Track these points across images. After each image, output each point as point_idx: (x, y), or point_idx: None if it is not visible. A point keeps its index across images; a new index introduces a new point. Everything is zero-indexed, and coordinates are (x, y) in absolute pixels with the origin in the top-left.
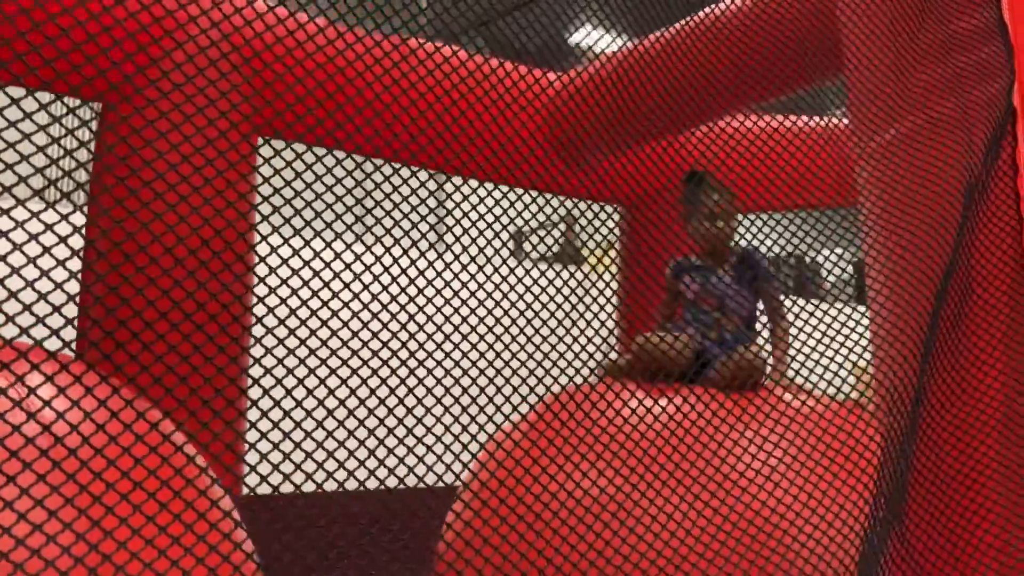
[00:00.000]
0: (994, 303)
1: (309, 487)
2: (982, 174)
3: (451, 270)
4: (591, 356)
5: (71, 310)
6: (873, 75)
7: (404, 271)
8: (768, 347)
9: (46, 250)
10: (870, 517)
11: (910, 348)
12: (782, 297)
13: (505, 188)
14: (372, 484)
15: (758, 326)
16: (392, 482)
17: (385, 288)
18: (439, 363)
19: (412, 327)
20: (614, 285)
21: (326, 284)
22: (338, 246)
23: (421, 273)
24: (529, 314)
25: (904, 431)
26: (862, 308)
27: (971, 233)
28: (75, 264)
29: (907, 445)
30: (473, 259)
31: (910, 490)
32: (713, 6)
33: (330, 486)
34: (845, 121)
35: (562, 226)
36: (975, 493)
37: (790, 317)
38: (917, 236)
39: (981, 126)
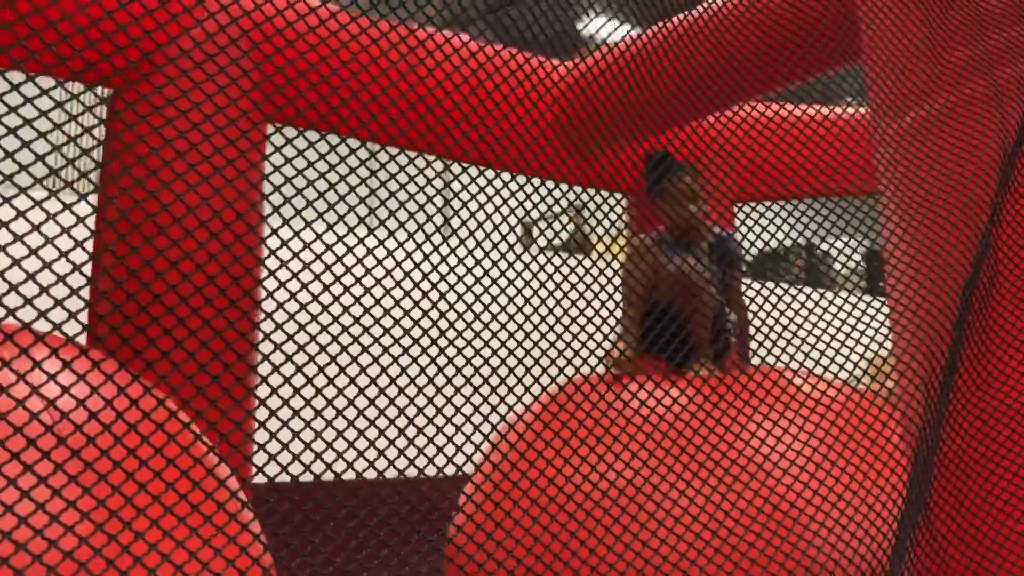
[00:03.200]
0: (1021, 285)
1: (321, 477)
2: (1012, 154)
3: (455, 261)
4: (599, 344)
5: (76, 301)
6: (896, 56)
7: (418, 265)
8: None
9: (67, 233)
10: (899, 504)
11: (938, 333)
12: (745, 286)
13: (510, 176)
14: (386, 473)
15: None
16: (402, 471)
17: (393, 282)
18: (441, 351)
19: (422, 317)
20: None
21: (338, 279)
22: (349, 237)
23: (429, 269)
24: (536, 302)
25: (932, 417)
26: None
27: (999, 213)
28: (84, 254)
29: (934, 431)
30: (482, 247)
31: (936, 476)
32: None
33: (340, 476)
34: (852, 110)
35: (570, 213)
36: (998, 477)
37: (754, 305)
38: (950, 217)
39: (1014, 105)
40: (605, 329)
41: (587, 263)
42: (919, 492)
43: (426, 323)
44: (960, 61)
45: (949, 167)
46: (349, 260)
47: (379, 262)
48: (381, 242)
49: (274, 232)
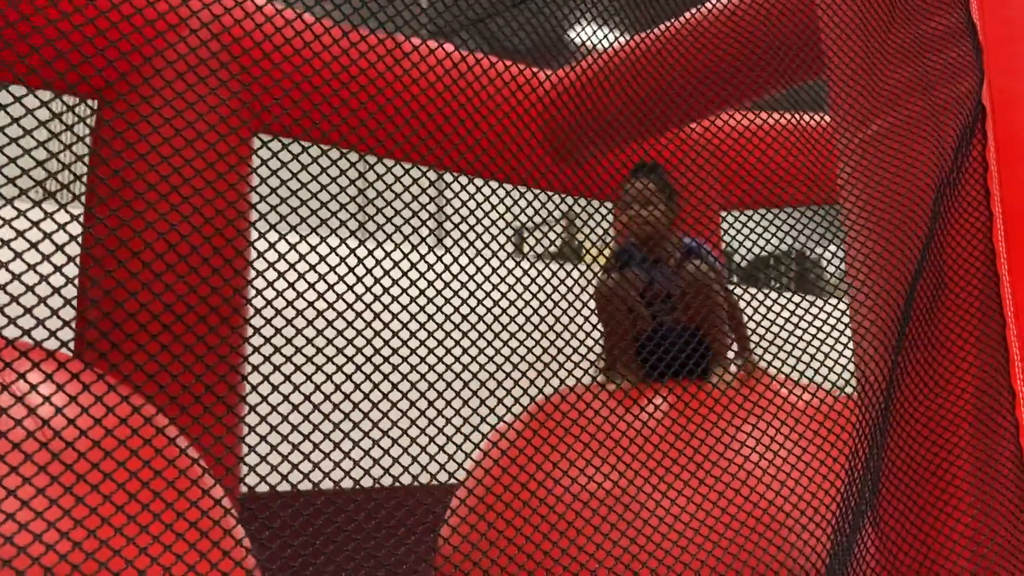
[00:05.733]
0: (965, 296)
1: (308, 486)
2: (952, 172)
3: (443, 268)
4: (588, 353)
5: (67, 309)
6: (852, 74)
7: (406, 272)
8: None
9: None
10: (843, 506)
11: (883, 341)
12: (731, 288)
13: (504, 185)
14: (370, 482)
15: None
16: (391, 480)
17: (386, 287)
18: (441, 359)
19: (412, 325)
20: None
21: (325, 280)
22: (337, 243)
23: (420, 273)
24: (528, 311)
25: (876, 422)
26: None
27: (943, 229)
28: (71, 265)
29: (879, 436)
30: (474, 258)
31: (883, 481)
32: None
33: (329, 485)
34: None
35: (563, 223)
36: (946, 483)
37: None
38: (891, 232)
39: (951, 125)
40: (595, 337)
41: (578, 272)
42: (866, 493)
43: (418, 331)
44: (901, 81)
45: (889, 184)
46: (340, 268)
47: (369, 271)
48: (371, 252)
49: (262, 235)
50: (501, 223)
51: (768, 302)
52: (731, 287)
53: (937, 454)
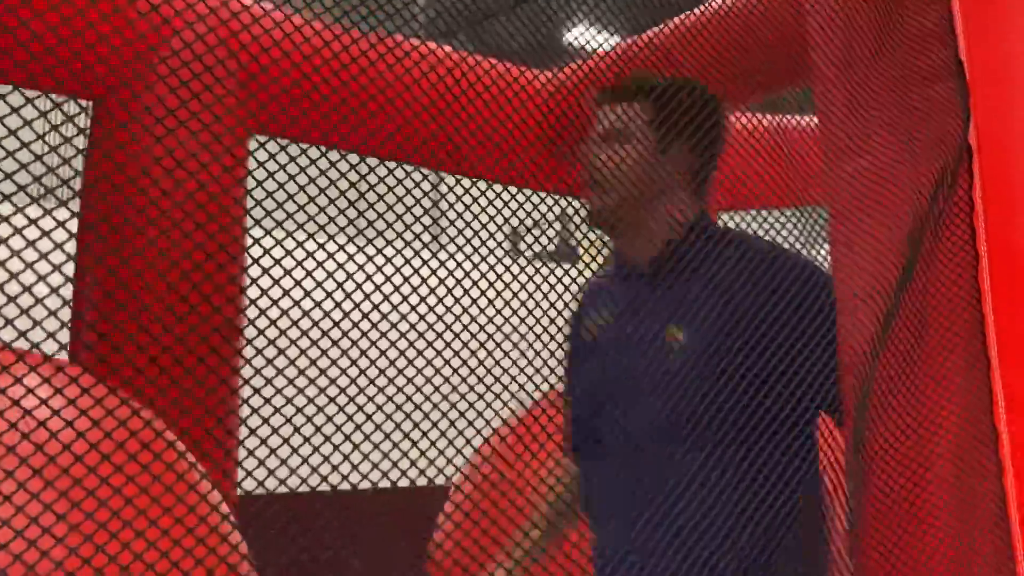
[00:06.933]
0: (951, 337)
1: (302, 488)
2: (929, 213)
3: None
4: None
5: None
6: (837, 108)
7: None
8: None
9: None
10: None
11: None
12: None
13: (501, 187)
14: (363, 485)
15: None
16: (383, 483)
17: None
18: (430, 362)
19: (406, 324)
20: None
21: (319, 284)
22: (332, 246)
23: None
24: (523, 312)
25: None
26: None
27: (927, 269)
28: (66, 267)
29: (853, 470)
30: (468, 260)
31: (863, 521)
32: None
33: (322, 486)
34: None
35: (558, 224)
36: (928, 525)
37: None
38: (866, 271)
39: (928, 165)
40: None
41: (574, 273)
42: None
43: (412, 334)
44: (879, 120)
45: (864, 223)
46: (333, 268)
47: (359, 268)
48: (362, 249)
49: (250, 236)
50: (498, 222)
51: None
52: None
53: (919, 495)
